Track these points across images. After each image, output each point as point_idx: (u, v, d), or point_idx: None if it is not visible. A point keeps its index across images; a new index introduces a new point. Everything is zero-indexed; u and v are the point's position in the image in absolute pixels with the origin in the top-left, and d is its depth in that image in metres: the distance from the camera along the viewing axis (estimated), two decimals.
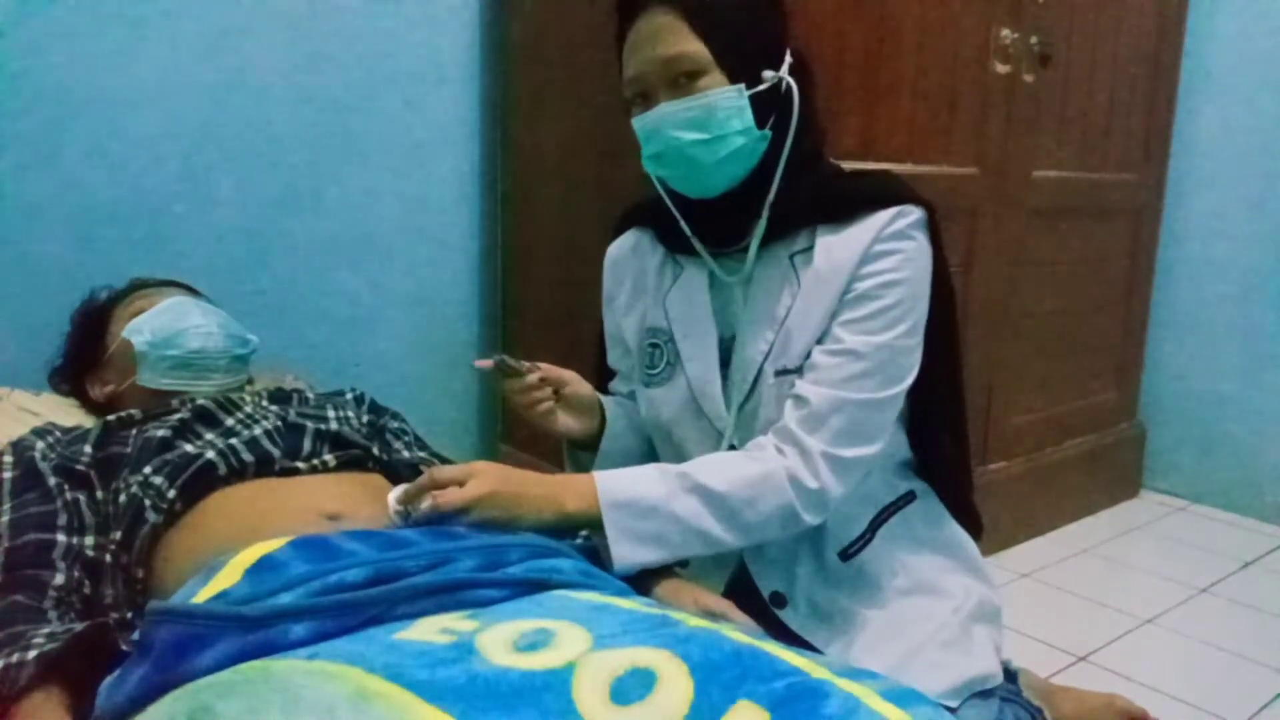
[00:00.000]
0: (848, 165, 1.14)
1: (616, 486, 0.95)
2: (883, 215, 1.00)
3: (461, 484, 0.91)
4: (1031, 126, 1.96)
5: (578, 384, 1.15)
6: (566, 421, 1.14)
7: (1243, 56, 2.31)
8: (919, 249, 1.01)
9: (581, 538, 0.99)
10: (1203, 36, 2.35)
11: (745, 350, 1.06)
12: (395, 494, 0.94)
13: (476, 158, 1.95)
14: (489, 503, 0.90)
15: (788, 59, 1.03)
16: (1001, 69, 1.84)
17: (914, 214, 1.01)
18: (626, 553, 0.93)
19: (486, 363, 1.10)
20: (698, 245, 1.09)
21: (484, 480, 0.91)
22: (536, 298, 1.95)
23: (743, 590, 1.09)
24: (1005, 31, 1.82)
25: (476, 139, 1.94)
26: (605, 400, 1.19)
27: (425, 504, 0.90)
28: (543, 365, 1.13)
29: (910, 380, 1.01)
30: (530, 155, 1.90)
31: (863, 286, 1.00)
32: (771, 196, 1.03)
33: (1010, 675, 1.22)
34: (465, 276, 1.98)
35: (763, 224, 1.04)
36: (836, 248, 1.01)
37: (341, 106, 1.75)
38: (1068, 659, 1.61)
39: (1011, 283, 1.99)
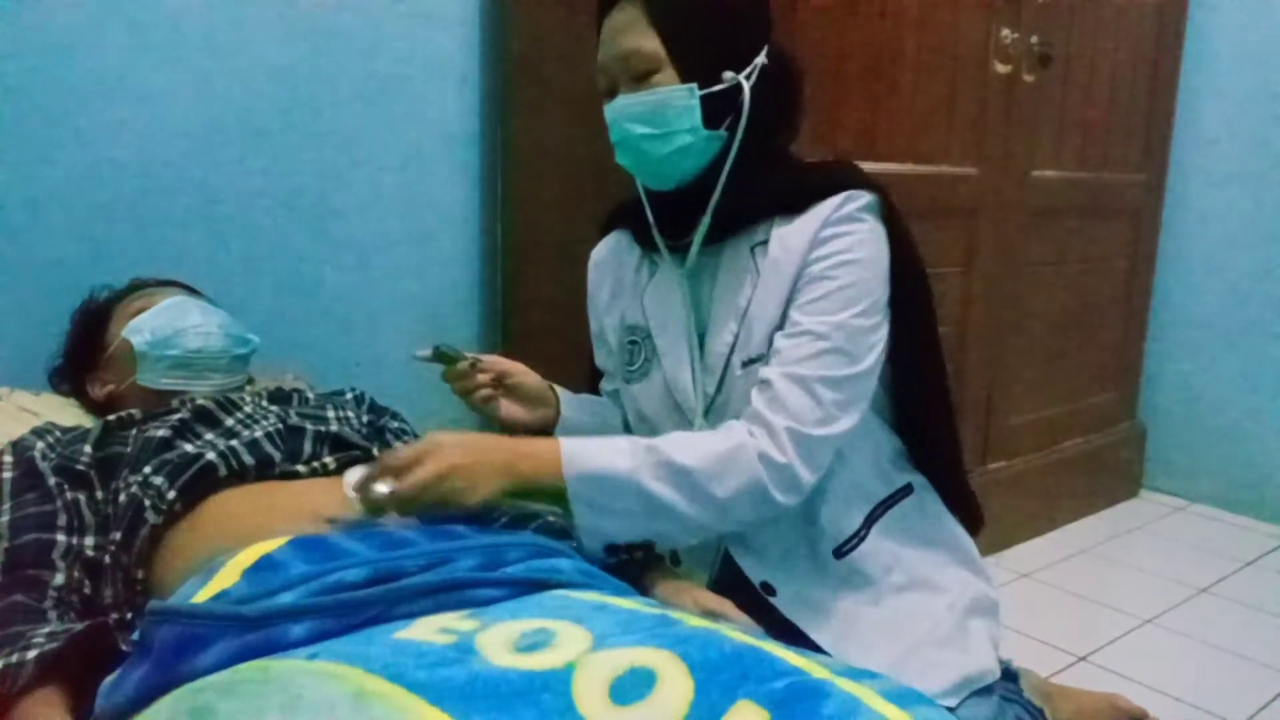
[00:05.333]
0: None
1: (582, 456, 0.94)
2: (832, 201, 1.01)
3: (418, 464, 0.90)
4: (1031, 126, 1.96)
5: (523, 374, 1.18)
6: (512, 410, 1.16)
7: (1243, 56, 2.31)
8: (871, 230, 1.02)
9: (553, 515, 1.00)
10: (1203, 36, 2.35)
11: (713, 343, 1.08)
12: (351, 480, 0.93)
13: (476, 158, 1.95)
14: (448, 481, 0.89)
15: (760, 60, 1.03)
16: (1001, 69, 1.84)
17: (862, 198, 1.02)
18: (593, 525, 0.93)
19: (425, 352, 1.12)
20: (656, 236, 1.12)
21: (440, 458, 0.90)
22: (536, 298, 1.95)
23: (732, 581, 1.09)
24: (1005, 31, 1.82)
25: (476, 139, 1.94)
26: (562, 392, 1.21)
27: (381, 489, 0.89)
28: (486, 356, 1.16)
29: (873, 359, 1.01)
30: (530, 155, 1.90)
31: (816, 269, 1.01)
32: (716, 197, 1.05)
33: (1012, 675, 1.22)
34: (465, 276, 1.98)
35: (706, 222, 1.06)
36: (789, 236, 1.02)
37: (342, 107, 1.75)
38: (1068, 659, 1.61)
39: (1011, 283, 1.99)
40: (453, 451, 0.90)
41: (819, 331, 0.99)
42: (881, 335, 1.02)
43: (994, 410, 2.03)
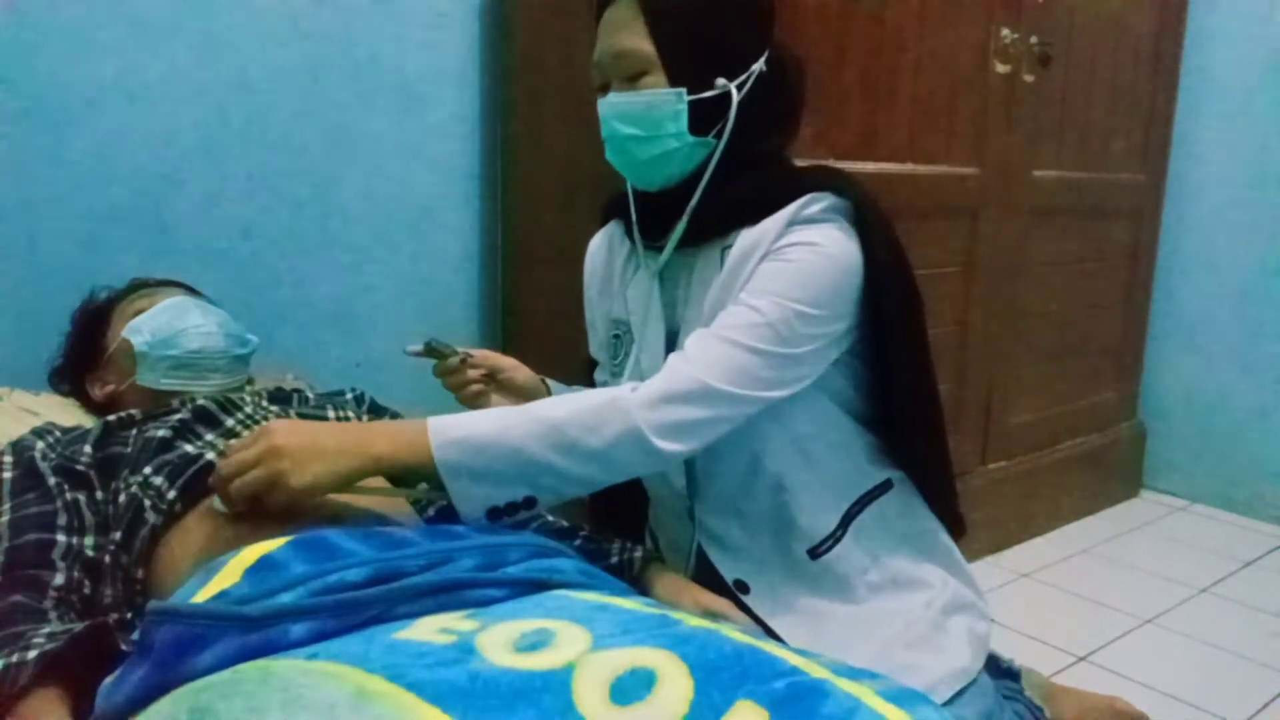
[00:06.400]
0: (847, 166, 1.14)
1: (448, 426, 0.91)
2: (796, 203, 1.00)
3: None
4: (1031, 126, 1.96)
5: (514, 369, 1.18)
6: (502, 405, 1.15)
7: (1243, 56, 2.31)
8: (838, 229, 1.00)
9: (421, 491, 0.98)
10: (1203, 36, 2.35)
11: (682, 343, 1.07)
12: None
13: (476, 158, 1.95)
14: (268, 462, 0.85)
15: (758, 66, 1.03)
16: (1001, 69, 1.84)
17: (825, 200, 1.00)
18: (467, 491, 0.90)
19: (416, 347, 1.13)
20: (635, 233, 1.12)
21: (265, 439, 0.86)
22: (536, 297, 1.95)
23: (707, 579, 1.08)
24: (1005, 31, 1.82)
25: (476, 139, 1.94)
26: (555, 386, 1.21)
27: (210, 480, 0.88)
28: (477, 351, 1.16)
29: (807, 350, 0.98)
30: (530, 155, 1.90)
31: (771, 256, 0.99)
32: (693, 204, 1.04)
33: (1014, 674, 1.22)
34: (465, 276, 1.98)
35: (682, 226, 1.06)
36: (753, 236, 1.01)
37: (342, 106, 1.75)
38: (1068, 659, 1.61)
39: (1011, 283, 1.99)
40: (280, 434, 0.87)
41: (755, 305, 0.97)
42: (827, 332, 0.99)
43: (994, 410, 2.03)
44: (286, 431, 0.87)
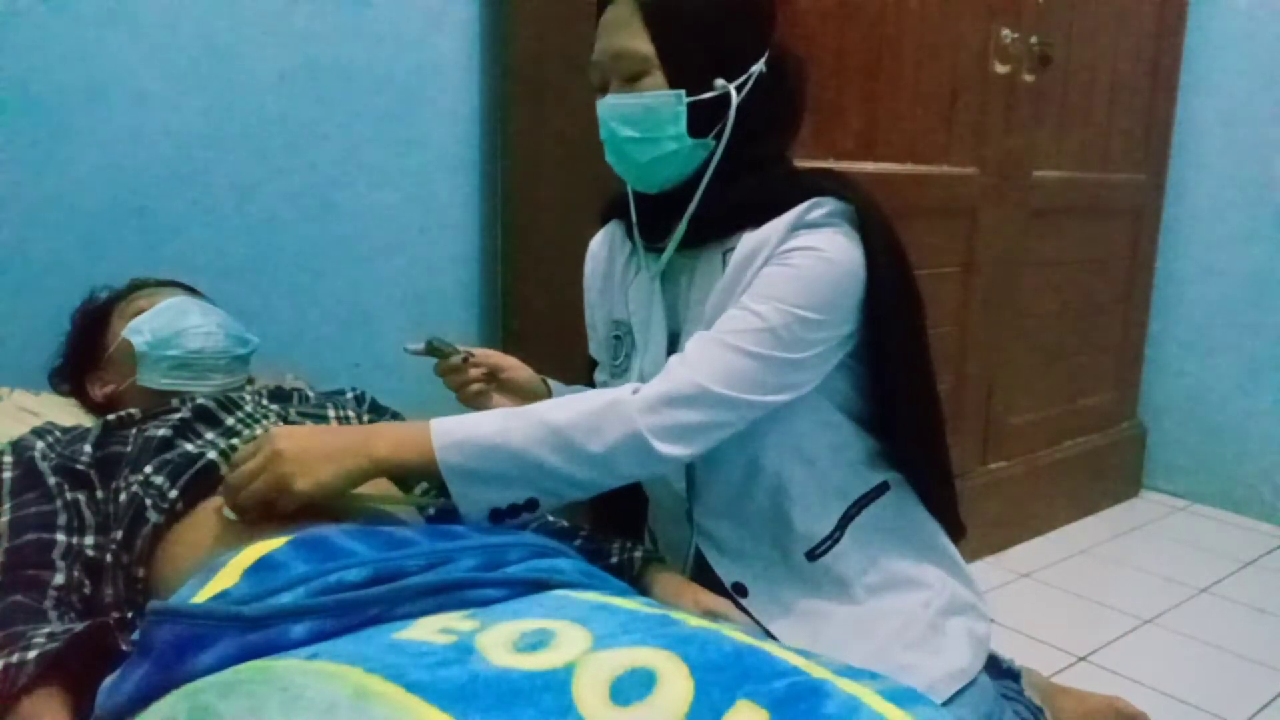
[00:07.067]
0: (847, 166, 1.14)
1: (450, 428, 0.91)
2: (799, 208, 1.00)
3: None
4: (1031, 126, 1.96)
5: (516, 369, 1.18)
6: (502, 404, 1.15)
7: (1243, 56, 2.31)
8: (841, 234, 0.99)
9: (421, 490, 0.97)
10: (1203, 36, 2.35)
11: (683, 345, 1.06)
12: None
13: (476, 157, 1.95)
14: (272, 467, 0.86)
15: (758, 68, 1.02)
16: (1001, 69, 1.84)
17: (828, 204, 1.00)
18: (469, 493, 0.91)
19: (417, 345, 1.13)
20: (635, 235, 1.12)
21: (269, 446, 0.87)
22: (537, 297, 1.95)
23: (705, 582, 1.08)
24: (1005, 31, 1.82)
25: (476, 138, 1.94)
26: (556, 385, 1.21)
27: (220, 490, 0.89)
28: (478, 350, 1.16)
29: (808, 355, 0.97)
30: (530, 154, 1.90)
31: (774, 260, 0.99)
32: (693, 207, 1.04)
33: (1013, 674, 1.22)
34: (465, 276, 1.98)
35: (682, 228, 1.05)
36: (755, 241, 1.01)
37: (341, 106, 1.75)
38: (1068, 659, 1.61)
39: (1011, 283, 1.99)
40: (282, 440, 0.88)
41: (757, 310, 0.96)
42: (829, 337, 0.99)
43: (994, 410, 2.03)
44: (288, 437, 0.88)
